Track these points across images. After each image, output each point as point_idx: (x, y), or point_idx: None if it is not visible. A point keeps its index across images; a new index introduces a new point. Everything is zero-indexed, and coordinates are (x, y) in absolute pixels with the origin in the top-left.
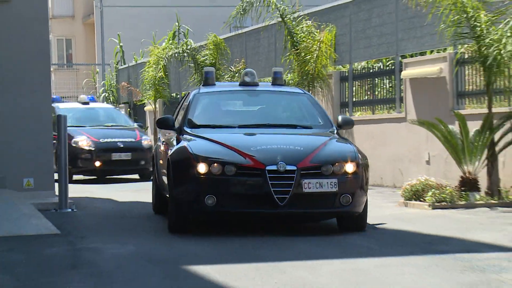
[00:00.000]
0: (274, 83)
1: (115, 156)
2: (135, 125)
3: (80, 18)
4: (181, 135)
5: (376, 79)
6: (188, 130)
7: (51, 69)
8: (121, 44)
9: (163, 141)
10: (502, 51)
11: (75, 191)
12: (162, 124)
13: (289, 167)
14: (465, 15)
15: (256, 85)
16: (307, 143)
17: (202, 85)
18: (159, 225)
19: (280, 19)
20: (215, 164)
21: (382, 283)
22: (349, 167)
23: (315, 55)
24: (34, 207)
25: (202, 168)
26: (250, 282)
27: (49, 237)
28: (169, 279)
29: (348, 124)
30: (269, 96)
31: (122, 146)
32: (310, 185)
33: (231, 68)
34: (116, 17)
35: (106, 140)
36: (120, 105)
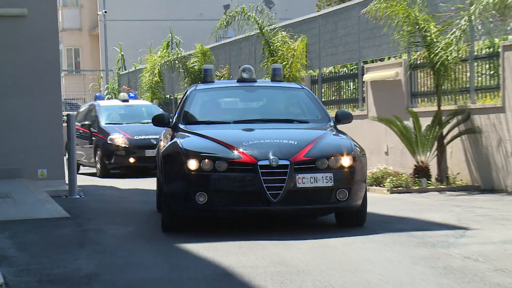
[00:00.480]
0: (273, 80)
1: (148, 152)
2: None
3: (86, 30)
4: (175, 132)
5: (342, 82)
6: (182, 126)
7: (62, 75)
8: (122, 53)
9: (160, 139)
10: (448, 57)
11: (82, 180)
12: (158, 121)
13: (282, 162)
14: (417, 27)
15: (254, 81)
16: (302, 137)
17: (201, 82)
18: (155, 209)
19: (258, 31)
20: (206, 160)
21: (347, 256)
22: (345, 161)
23: (290, 61)
24: (47, 194)
25: (192, 164)
26: (234, 257)
27: (60, 220)
28: (162, 255)
29: (346, 118)
30: (266, 92)
31: (155, 143)
32: (304, 180)
33: (217, 73)
34: (117, 29)
35: (140, 137)
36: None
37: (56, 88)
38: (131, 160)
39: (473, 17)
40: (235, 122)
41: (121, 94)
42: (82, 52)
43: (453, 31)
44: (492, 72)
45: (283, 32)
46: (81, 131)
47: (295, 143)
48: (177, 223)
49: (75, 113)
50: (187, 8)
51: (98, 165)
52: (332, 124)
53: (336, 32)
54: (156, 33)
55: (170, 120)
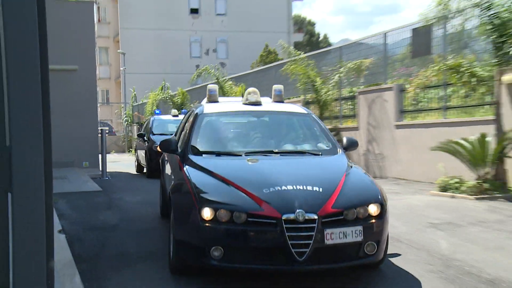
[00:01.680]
0: (275, 100)
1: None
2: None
3: (113, 79)
4: (184, 163)
5: None
6: (192, 157)
7: (98, 105)
8: (134, 92)
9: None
10: (327, 98)
11: (110, 167)
12: (164, 147)
13: (308, 215)
14: (310, 79)
15: (260, 103)
16: (325, 180)
17: (207, 102)
18: (156, 186)
19: (216, 80)
20: (222, 210)
21: None
22: (374, 210)
23: None
24: (88, 176)
25: (206, 213)
26: None
27: (96, 192)
28: (159, 215)
29: (353, 145)
30: (274, 118)
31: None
32: (333, 236)
33: (191, 105)
34: (132, 79)
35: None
36: (133, 124)
37: (94, 113)
38: None
39: (342, 75)
40: (247, 153)
41: (173, 110)
42: (110, 92)
43: (330, 82)
44: (351, 107)
45: (230, 81)
46: (139, 139)
47: (320, 190)
48: (185, 269)
49: (106, 128)
50: (174, 66)
51: (146, 167)
52: (343, 154)
53: (263, 81)
54: (155, 80)
55: (178, 146)
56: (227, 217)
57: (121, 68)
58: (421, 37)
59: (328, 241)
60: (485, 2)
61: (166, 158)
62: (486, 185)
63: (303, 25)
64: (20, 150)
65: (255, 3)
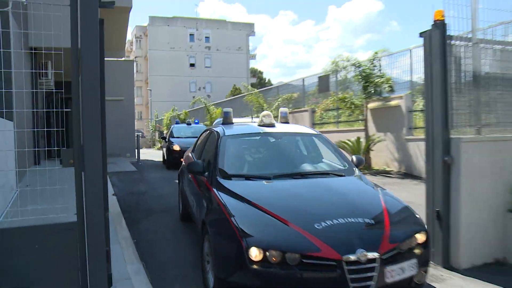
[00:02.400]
0: (281, 122)
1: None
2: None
3: (144, 104)
4: (215, 187)
5: None
6: (221, 181)
7: (135, 120)
8: (156, 113)
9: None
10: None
11: (141, 157)
12: (193, 170)
13: (370, 254)
14: (260, 105)
15: (273, 125)
16: (368, 208)
17: (222, 123)
18: (170, 171)
19: (204, 106)
20: (273, 251)
21: None
22: (422, 239)
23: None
24: (129, 162)
25: (254, 253)
26: None
27: (133, 172)
28: (175, 185)
29: (361, 163)
30: (289, 139)
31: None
32: (393, 273)
33: (189, 120)
34: (155, 105)
35: (187, 146)
36: (156, 131)
37: (133, 125)
38: (182, 159)
39: (279, 102)
40: (275, 177)
41: (187, 121)
42: (142, 112)
43: (273, 107)
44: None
45: (213, 106)
46: (163, 141)
47: (373, 222)
48: None
49: (140, 134)
50: (179, 97)
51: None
52: (359, 173)
53: (233, 106)
54: (169, 105)
55: (204, 168)
56: (279, 258)
57: (149, 98)
58: (323, 81)
59: (389, 279)
60: (357, 64)
61: (183, 170)
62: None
63: (256, 73)
64: (89, 147)
65: (228, 61)
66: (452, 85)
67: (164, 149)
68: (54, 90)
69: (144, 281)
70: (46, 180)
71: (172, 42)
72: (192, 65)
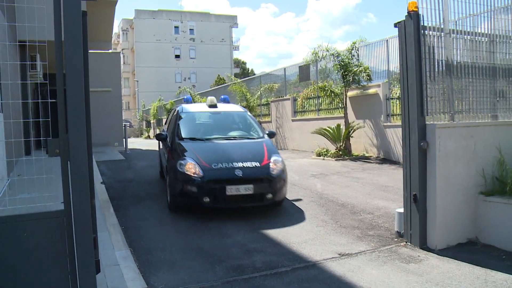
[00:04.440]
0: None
1: (231, 189)
2: (265, 135)
3: (132, 95)
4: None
5: None
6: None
7: (122, 110)
8: (143, 103)
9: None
10: (254, 104)
11: (129, 146)
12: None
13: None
14: (243, 94)
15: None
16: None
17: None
18: (157, 156)
19: (190, 95)
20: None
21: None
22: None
23: None
24: (118, 151)
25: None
26: None
27: (121, 160)
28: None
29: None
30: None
31: (241, 175)
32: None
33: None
34: (142, 95)
35: (220, 165)
36: (143, 121)
37: (120, 115)
38: (206, 199)
39: (261, 91)
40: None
41: (209, 97)
42: (130, 103)
43: (255, 96)
44: (267, 109)
45: (198, 95)
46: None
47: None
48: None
49: (127, 123)
50: (165, 87)
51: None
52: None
53: (216, 95)
54: (155, 96)
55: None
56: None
57: (136, 89)
58: (304, 71)
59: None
60: (336, 53)
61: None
62: (340, 152)
63: (239, 64)
64: (74, 137)
65: (212, 52)
66: (426, 73)
67: (165, 156)
68: (39, 82)
69: (132, 266)
70: (37, 169)
71: (158, 34)
72: (177, 56)
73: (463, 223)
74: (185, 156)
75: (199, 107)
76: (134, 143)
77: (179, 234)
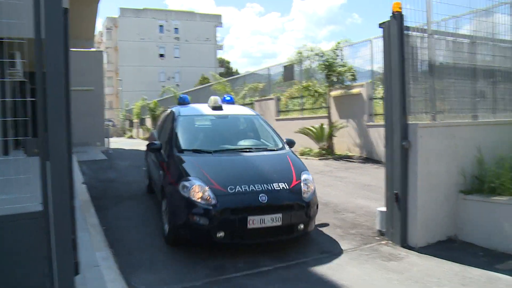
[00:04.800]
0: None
1: (254, 221)
2: (285, 145)
3: (115, 94)
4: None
5: None
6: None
7: (105, 109)
8: (127, 102)
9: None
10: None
11: (112, 145)
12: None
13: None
14: (226, 93)
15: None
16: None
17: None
18: (142, 156)
19: (173, 95)
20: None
21: None
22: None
23: None
24: (100, 151)
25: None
26: None
27: (104, 160)
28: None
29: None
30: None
31: (265, 201)
32: None
33: (165, 108)
34: (125, 94)
35: (238, 188)
36: (126, 120)
37: (103, 114)
38: (220, 234)
39: (246, 91)
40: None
41: (212, 97)
42: (113, 102)
43: (239, 95)
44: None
45: (182, 94)
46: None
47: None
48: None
49: (110, 123)
50: (149, 86)
51: None
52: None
53: (200, 95)
54: (139, 95)
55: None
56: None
57: (119, 88)
58: (288, 70)
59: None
60: (321, 53)
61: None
62: (324, 152)
63: (223, 63)
64: (53, 137)
65: (196, 51)
66: (409, 73)
67: (159, 172)
68: (18, 79)
69: (112, 267)
70: (15, 169)
71: (142, 33)
72: (161, 55)
73: (443, 221)
74: (189, 176)
75: (200, 110)
76: (117, 142)
77: (159, 234)
